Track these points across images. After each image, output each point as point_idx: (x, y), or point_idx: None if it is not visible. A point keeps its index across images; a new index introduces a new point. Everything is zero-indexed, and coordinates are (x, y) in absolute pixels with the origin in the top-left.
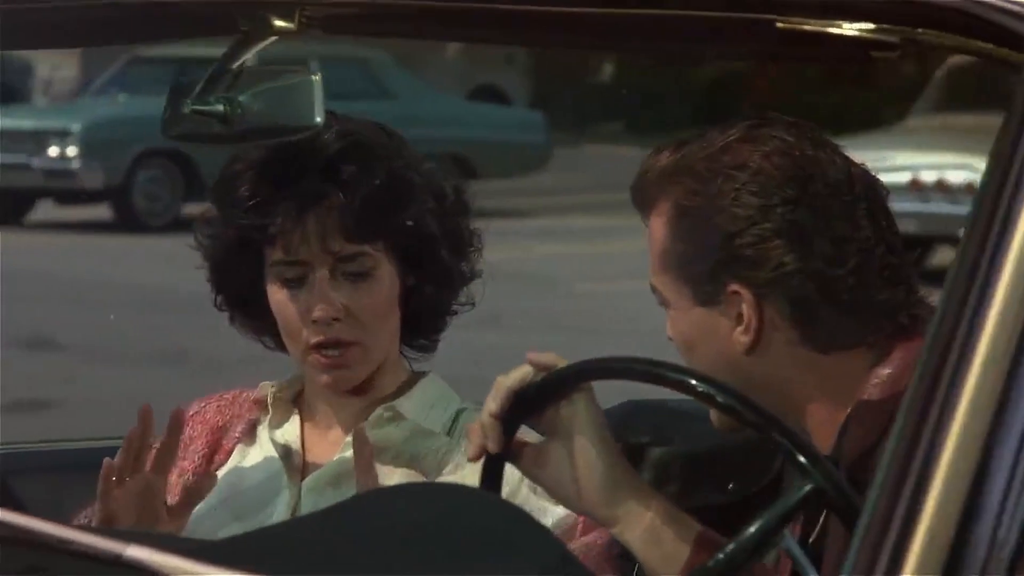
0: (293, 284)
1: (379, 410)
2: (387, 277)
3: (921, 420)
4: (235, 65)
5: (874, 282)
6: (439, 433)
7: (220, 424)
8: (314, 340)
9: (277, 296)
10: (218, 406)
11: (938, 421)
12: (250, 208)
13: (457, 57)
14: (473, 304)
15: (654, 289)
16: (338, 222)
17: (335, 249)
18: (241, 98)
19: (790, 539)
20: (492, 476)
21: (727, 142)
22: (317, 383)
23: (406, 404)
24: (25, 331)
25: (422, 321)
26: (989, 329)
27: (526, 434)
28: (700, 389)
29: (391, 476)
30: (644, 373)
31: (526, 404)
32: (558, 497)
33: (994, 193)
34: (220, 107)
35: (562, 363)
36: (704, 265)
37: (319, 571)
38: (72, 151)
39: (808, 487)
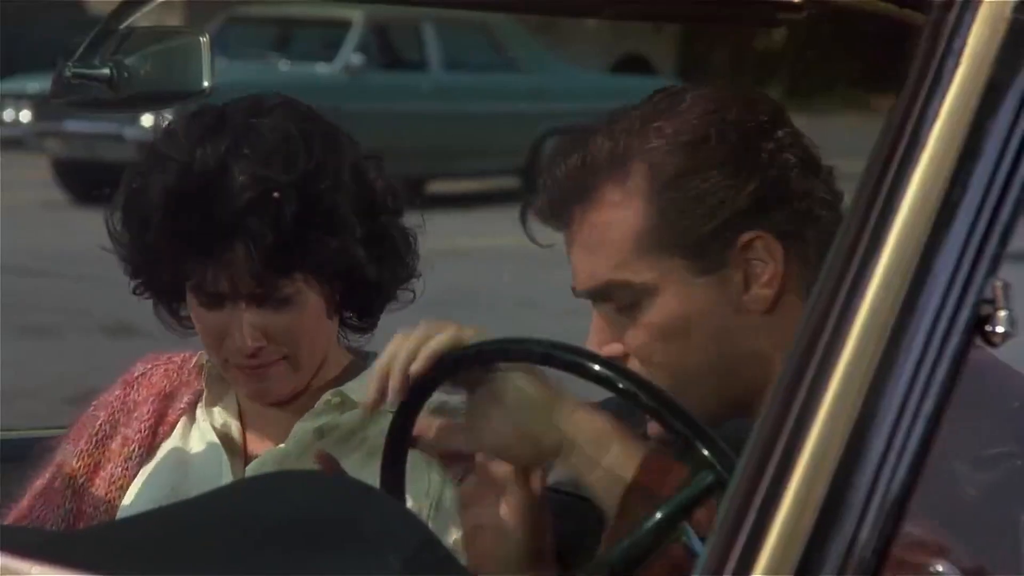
0: (211, 304)
1: (327, 395)
2: (311, 298)
3: (784, 410)
4: (122, 26)
5: None
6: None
7: (167, 391)
8: (236, 362)
9: (196, 311)
10: (165, 370)
11: (803, 409)
12: (162, 248)
13: (601, 27)
14: (413, 297)
15: (622, 286)
16: (247, 268)
17: (247, 290)
18: (128, 61)
19: (691, 532)
20: (395, 456)
21: (681, 106)
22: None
23: (354, 387)
24: (110, 318)
25: (357, 315)
26: (860, 320)
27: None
28: (597, 372)
29: (341, 461)
30: (542, 355)
31: (442, 371)
32: (495, 449)
33: (884, 159)
34: (106, 71)
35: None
36: (704, 226)
37: (183, 565)
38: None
39: (709, 478)
